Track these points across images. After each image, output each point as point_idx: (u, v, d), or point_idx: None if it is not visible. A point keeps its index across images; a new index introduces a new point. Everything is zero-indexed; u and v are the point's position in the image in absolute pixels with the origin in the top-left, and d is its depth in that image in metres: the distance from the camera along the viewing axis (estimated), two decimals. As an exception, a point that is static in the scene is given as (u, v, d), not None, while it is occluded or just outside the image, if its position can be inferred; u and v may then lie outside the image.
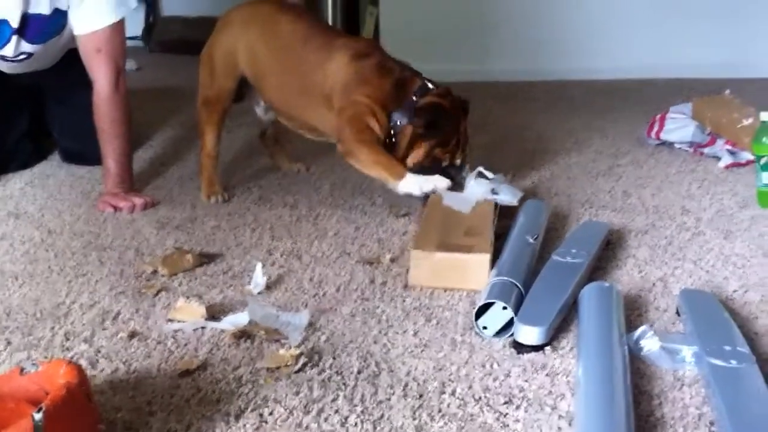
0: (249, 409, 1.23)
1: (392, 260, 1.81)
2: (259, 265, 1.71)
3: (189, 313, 1.52)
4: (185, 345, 1.43)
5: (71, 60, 2.51)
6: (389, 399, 1.25)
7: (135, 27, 6.54)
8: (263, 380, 1.31)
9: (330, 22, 5.11)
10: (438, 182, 2.03)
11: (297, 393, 1.27)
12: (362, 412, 1.22)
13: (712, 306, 1.50)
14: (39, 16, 2.32)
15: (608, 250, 1.86)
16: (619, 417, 1.13)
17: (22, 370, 1.15)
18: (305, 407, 1.23)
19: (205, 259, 1.83)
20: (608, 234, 1.90)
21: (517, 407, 1.23)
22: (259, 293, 1.65)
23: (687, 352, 1.34)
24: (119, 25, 2.34)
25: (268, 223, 2.11)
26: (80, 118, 2.48)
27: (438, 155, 2.11)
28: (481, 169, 2.07)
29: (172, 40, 6.44)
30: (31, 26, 2.34)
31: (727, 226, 2.04)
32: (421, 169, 2.09)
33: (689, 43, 4.66)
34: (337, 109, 2.16)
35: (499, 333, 1.45)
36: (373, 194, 2.33)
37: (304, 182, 2.50)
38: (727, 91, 2.99)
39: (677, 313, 1.53)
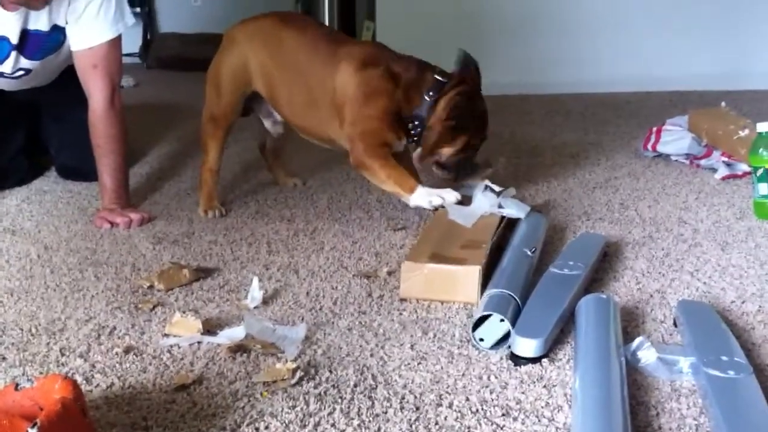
0: (245, 424, 1.22)
1: (389, 273, 1.81)
2: (255, 280, 1.70)
3: (185, 327, 1.52)
4: (181, 360, 1.42)
5: (68, 76, 2.51)
6: (386, 412, 1.25)
7: (132, 44, 6.57)
8: (259, 394, 1.30)
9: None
10: (447, 195, 2.03)
11: (293, 407, 1.26)
12: (359, 425, 1.21)
13: (710, 317, 1.50)
14: (38, 33, 2.33)
15: (605, 262, 1.86)
16: (617, 428, 1.13)
17: (17, 385, 1.14)
18: (301, 421, 1.22)
19: (202, 273, 1.83)
20: (605, 246, 1.90)
21: (515, 419, 1.23)
22: (255, 307, 1.65)
23: (684, 362, 1.34)
24: (116, 42, 2.35)
25: (265, 237, 2.11)
26: (77, 134, 2.48)
27: (474, 144, 2.16)
28: (488, 182, 2.07)
29: (169, 57, 6.47)
30: (30, 43, 2.35)
31: (724, 238, 2.04)
32: (460, 161, 2.14)
33: (685, 55, 4.69)
34: (349, 122, 2.16)
35: (496, 345, 1.45)
36: (370, 208, 2.33)
37: (302, 196, 2.50)
38: (723, 103, 3.00)
39: (674, 324, 1.53)
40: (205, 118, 2.40)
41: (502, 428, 1.20)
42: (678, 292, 1.70)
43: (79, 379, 1.35)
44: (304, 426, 1.21)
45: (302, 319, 1.59)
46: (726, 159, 2.66)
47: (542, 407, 1.26)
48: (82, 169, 2.63)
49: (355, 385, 1.32)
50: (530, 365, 1.38)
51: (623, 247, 1.97)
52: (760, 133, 2.23)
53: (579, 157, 2.95)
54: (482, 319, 1.46)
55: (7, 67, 2.40)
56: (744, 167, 2.56)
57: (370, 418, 1.23)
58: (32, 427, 0.99)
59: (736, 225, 2.14)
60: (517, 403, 1.27)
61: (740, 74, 4.51)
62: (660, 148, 2.88)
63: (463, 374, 1.36)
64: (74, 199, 2.51)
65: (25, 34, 2.32)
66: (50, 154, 2.84)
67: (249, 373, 1.37)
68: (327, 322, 1.58)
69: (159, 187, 2.64)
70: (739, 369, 1.26)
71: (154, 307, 1.65)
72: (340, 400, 1.28)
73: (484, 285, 1.65)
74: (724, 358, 1.29)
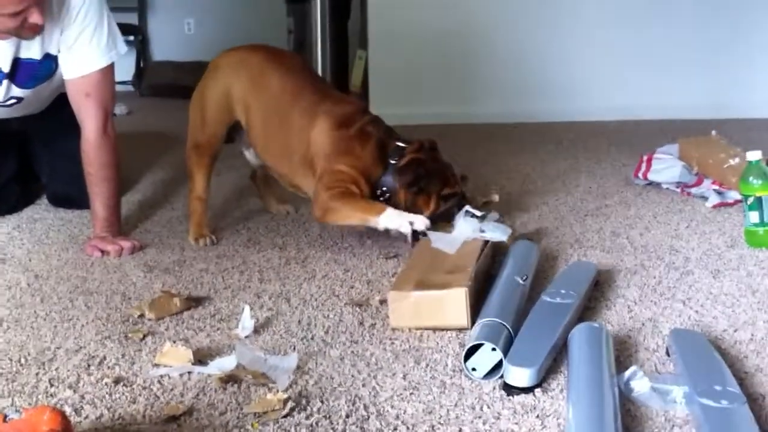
0: (236, 455, 1.21)
1: (381, 302, 1.80)
2: (247, 308, 1.69)
3: (175, 357, 1.51)
4: (171, 390, 1.41)
5: (60, 104, 2.52)
6: (378, 443, 1.24)
7: (126, 71, 6.59)
8: (250, 425, 1.29)
9: (320, 65, 5.16)
10: (416, 221, 2.06)
11: (284, 438, 1.25)
12: (351, 456, 1.20)
13: (702, 346, 1.50)
14: (30, 61, 2.33)
15: (597, 290, 1.86)
16: (610, 459, 1.12)
17: (5, 417, 1.13)
18: (293, 452, 1.21)
19: (193, 302, 1.82)
20: (597, 274, 1.90)
21: (508, 450, 1.22)
22: (246, 336, 1.64)
23: (677, 392, 1.33)
24: (109, 70, 2.35)
25: (256, 265, 2.11)
26: (69, 162, 2.48)
27: (450, 192, 2.18)
28: (468, 207, 2.08)
29: (162, 85, 6.49)
30: (21, 71, 2.35)
31: (716, 266, 2.04)
32: (448, 212, 2.14)
33: (675, 84, 4.73)
34: (317, 175, 2.18)
35: (489, 374, 1.44)
36: (362, 236, 2.32)
37: (294, 224, 2.50)
38: (714, 132, 3.02)
39: (667, 353, 1.53)
40: (189, 146, 2.40)
41: (495, 459, 1.19)
42: (670, 320, 1.70)
43: (68, 410, 1.34)
44: (296, 457, 1.20)
45: (294, 348, 1.58)
46: (717, 187, 2.67)
47: (535, 438, 1.25)
48: (73, 197, 2.62)
49: (347, 416, 1.31)
50: (523, 395, 1.37)
51: (615, 276, 1.97)
52: (750, 162, 2.24)
53: (570, 185, 2.96)
54: (474, 349, 1.45)
55: (-1, 95, 2.40)
56: (735, 195, 2.57)
57: (362, 450, 1.22)
58: (20, 459, 0.98)
59: (728, 253, 2.14)
60: (510, 434, 1.26)
61: (730, 103, 4.55)
62: (651, 177, 2.89)
63: (456, 404, 1.35)
64: (65, 227, 2.51)
65: (16, 62, 2.32)
66: (42, 181, 2.83)
67: (240, 403, 1.36)
68: (319, 351, 1.57)
69: (150, 215, 2.64)
70: (732, 399, 1.25)
71: (144, 336, 1.64)
72: (331, 431, 1.27)
73: (473, 310, 1.64)
74: (718, 387, 1.29)
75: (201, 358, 1.52)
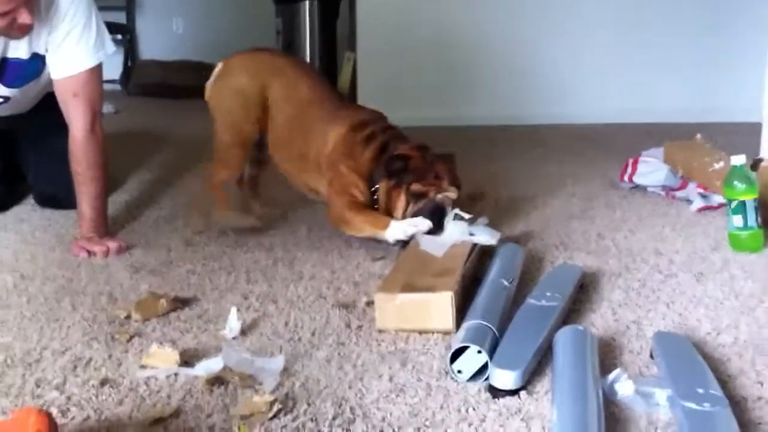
0: (222, 457, 1.21)
1: (368, 304, 1.81)
2: (233, 310, 1.70)
3: (162, 359, 1.51)
4: (158, 392, 1.41)
5: (47, 104, 2.51)
6: (364, 445, 1.24)
7: (113, 71, 6.57)
8: (237, 428, 1.29)
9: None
10: (419, 224, 2.08)
11: (271, 440, 1.26)
12: (336, 458, 1.21)
13: (686, 349, 1.51)
14: (17, 61, 2.32)
15: (582, 293, 1.87)
16: (594, 462, 1.13)
17: (-10, 418, 1.13)
18: (279, 454, 1.22)
19: (180, 303, 1.82)
20: (582, 277, 1.92)
21: (492, 452, 1.23)
22: (233, 338, 1.64)
23: (661, 395, 1.34)
24: (97, 70, 2.35)
25: (243, 266, 2.11)
26: (56, 162, 2.48)
27: (420, 191, 2.13)
28: (457, 210, 2.09)
29: (150, 84, 6.48)
30: (8, 70, 2.35)
31: (700, 269, 2.06)
32: (417, 214, 2.12)
33: (660, 88, 4.76)
34: (327, 180, 2.26)
35: (474, 377, 1.45)
36: (349, 238, 2.33)
37: (281, 225, 2.50)
38: (698, 136, 3.04)
39: (651, 356, 1.54)
40: (227, 143, 2.40)
41: (479, 461, 1.20)
42: (654, 323, 1.71)
43: (54, 411, 1.33)
44: (282, 459, 1.20)
45: (280, 350, 1.59)
46: (701, 191, 2.70)
47: (520, 440, 1.26)
48: (60, 197, 2.61)
49: (334, 418, 1.32)
50: (508, 397, 1.38)
51: (600, 278, 1.99)
52: (734, 166, 2.26)
53: (556, 188, 2.97)
54: (460, 351, 1.46)
55: (-15, 94, 2.39)
56: (719, 199, 2.59)
57: (348, 451, 1.22)
58: (6, 461, 0.98)
59: (712, 256, 2.16)
60: (494, 436, 1.27)
61: (715, 107, 4.58)
62: (636, 180, 2.91)
63: (442, 407, 1.36)
64: (52, 227, 2.50)
65: (4, 62, 2.32)
66: (28, 181, 2.82)
67: (226, 405, 1.36)
68: (305, 353, 1.57)
69: (137, 216, 2.64)
70: (715, 402, 1.27)
71: (130, 337, 1.64)
72: (318, 433, 1.27)
73: (460, 313, 1.65)
74: (700, 390, 1.30)
75: (188, 359, 1.52)
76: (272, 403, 1.34)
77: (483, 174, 3.21)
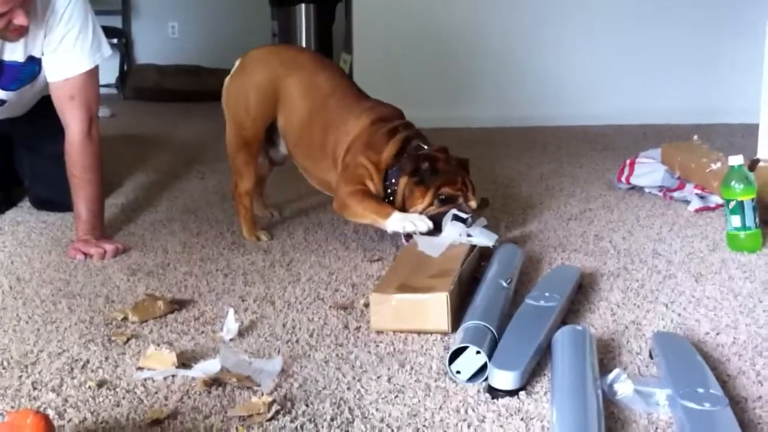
0: (220, 459, 1.20)
1: (366, 305, 1.80)
2: (231, 311, 1.69)
3: (159, 360, 1.50)
4: (155, 393, 1.40)
5: (43, 107, 2.50)
6: (363, 446, 1.24)
7: (110, 74, 6.56)
8: (235, 429, 1.29)
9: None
10: (419, 223, 2.07)
11: (269, 441, 1.25)
12: (335, 459, 1.20)
13: (685, 349, 1.51)
14: (13, 64, 2.32)
15: (581, 294, 1.87)
16: (594, 461, 1.12)
17: (-13, 420, 1.12)
18: (277, 456, 1.21)
19: (177, 305, 1.81)
20: (580, 277, 1.91)
21: (492, 453, 1.22)
22: (231, 340, 1.64)
23: (660, 395, 1.34)
24: (93, 73, 2.35)
25: (241, 268, 2.10)
26: (52, 166, 2.47)
27: (450, 192, 2.13)
28: (455, 211, 2.08)
29: (146, 88, 6.47)
30: (5, 73, 2.34)
31: (698, 269, 2.05)
32: (441, 217, 2.09)
33: (658, 89, 4.76)
34: (341, 167, 2.24)
35: (473, 377, 1.44)
36: (347, 239, 2.33)
37: (278, 227, 2.50)
38: (695, 137, 3.04)
39: (650, 356, 1.54)
40: (235, 144, 2.37)
41: (479, 462, 1.20)
42: (653, 323, 1.71)
43: (51, 413, 1.33)
44: (280, 460, 1.20)
45: (278, 351, 1.58)
46: (699, 191, 2.69)
47: (519, 440, 1.25)
48: (56, 201, 2.61)
49: (332, 419, 1.31)
50: (507, 398, 1.38)
51: (598, 279, 1.98)
52: (731, 166, 2.26)
53: (554, 189, 2.97)
54: (459, 352, 1.46)
55: (-19, 98, 2.39)
56: (717, 200, 2.59)
57: (347, 452, 1.22)
58: (2, 463, 0.97)
59: (710, 257, 2.16)
60: (494, 436, 1.27)
61: (712, 108, 4.58)
62: (634, 181, 2.91)
63: (441, 407, 1.35)
64: (48, 229, 2.49)
65: (0, 65, 2.31)
66: (24, 184, 2.81)
67: (224, 407, 1.35)
68: (303, 354, 1.57)
69: (134, 218, 2.63)
70: (715, 401, 1.26)
71: (128, 339, 1.63)
72: (316, 434, 1.27)
73: (456, 314, 1.65)
74: (700, 390, 1.30)
75: (185, 361, 1.52)
76: (270, 405, 1.33)
77: (480, 175, 3.20)
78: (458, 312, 1.67)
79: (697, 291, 1.90)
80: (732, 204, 2.23)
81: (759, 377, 1.45)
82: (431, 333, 1.65)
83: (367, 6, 4.72)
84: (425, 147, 2.22)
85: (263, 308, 1.82)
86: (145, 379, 1.45)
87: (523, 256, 2.04)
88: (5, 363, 1.53)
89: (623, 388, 1.36)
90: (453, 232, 2.02)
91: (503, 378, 1.39)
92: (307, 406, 1.36)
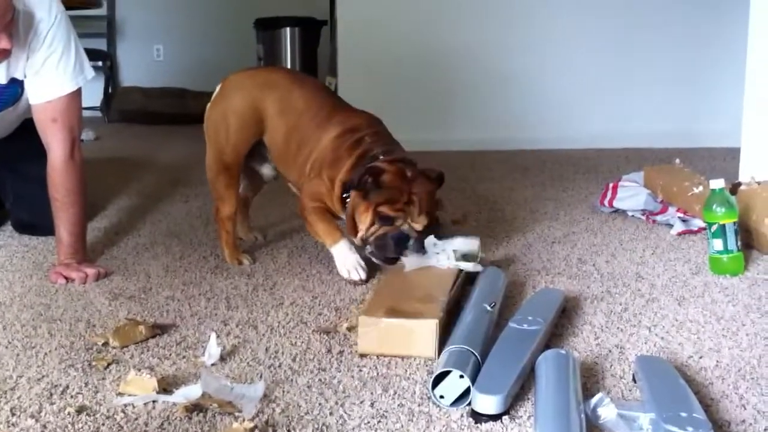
0: (200, 486, 1.19)
1: (349, 329, 1.79)
2: (213, 336, 1.68)
3: (140, 386, 1.49)
4: (135, 419, 1.39)
5: (25, 130, 2.49)
6: (345, 472, 1.23)
7: (94, 97, 6.55)
8: (216, 455, 1.27)
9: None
10: (352, 271, 2.14)
11: (250, 467, 1.23)
12: (317, 486, 1.19)
13: (668, 372, 1.51)
14: (-5, 86, 2.31)
15: (564, 317, 1.87)
16: (578, 487, 1.12)
17: (-38, 448, 1.10)
18: (259, 482, 1.20)
19: (158, 330, 1.80)
20: (564, 301, 1.91)
21: (475, 478, 1.21)
22: (213, 364, 1.62)
23: (644, 419, 1.34)
24: (76, 95, 2.34)
25: (224, 292, 2.09)
26: (34, 189, 2.45)
27: (387, 212, 2.06)
28: (432, 237, 2.07)
29: (130, 111, 6.46)
30: (-14, 96, 2.33)
31: (681, 293, 2.06)
32: (380, 239, 2.07)
33: (639, 113, 4.80)
34: (308, 175, 2.25)
35: (457, 402, 1.43)
36: (330, 262, 2.31)
37: (262, 250, 2.49)
38: (677, 160, 3.07)
39: (633, 379, 1.53)
40: (215, 168, 2.37)
41: (462, 488, 1.19)
42: (636, 347, 1.71)
43: (28, 440, 1.31)
44: (261, 487, 1.18)
45: (260, 376, 1.57)
46: (681, 215, 2.71)
47: (503, 465, 1.25)
48: (38, 224, 2.59)
49: (314, 445, 1.30)
50: (491, 422, 1.37)
51: (582, 302, 1.98)
52: (713, 190, 2.28)
53: (538, 212, 2.98)
54: (442, 376, 1.45)
55: (-37, 120, 2.37)
56: (699, 223, 2.60)
57: (329, 479, 1.21)
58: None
59: (692, 280, 2.17)
60: (477, 462, 1.26)
61: (694, 132, 4.62)
62: (616, 204, 2.92)
63: (424, 432, 1.34)
64: (29, 253, 2.47)
65: (-18, 87, 2.30)
66: (5, 207, 2.79)
67: (205, 432, 1.34)
68: (286, 379, 1.56)
69: (116, 242, 2.61)
70: (698, 425, 1.26)
71: (108, 364, 1.61)
72: (298, 460, 1.26)
73: (443, 339, 1.64)
74: (684, 414, 1.29)
75: (166, 386, 1.50)
76: (252, 430, 1.32)
77: (463, 197, 3.21)
78: (443, 336, 1.66)
79: (680, 314, 1.90)
80: (714, 227, 2.24)
81: (742, 401, 1.45)
82: (416, 357, 1.64)
83: (351, 30, 4.74)
84: (379, 155, 2.14)
85: (246, 332, 1.80)
86: (126, 405, 1.44)
87: (506, 279, 2.04)
88: (-17, 389, 1.51)
89: (607, 412, 1.36)
90: (441, 259, 2.02)
91: (486, 402, 1.39)
92: (289, 431, 1.34)
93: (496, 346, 1.58)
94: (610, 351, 1.68)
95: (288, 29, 6.27)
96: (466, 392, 1.43)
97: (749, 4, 2.83)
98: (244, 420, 1.36)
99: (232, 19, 7.08)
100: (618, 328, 1.82)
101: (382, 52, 4.71)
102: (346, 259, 2.16)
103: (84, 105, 2.43)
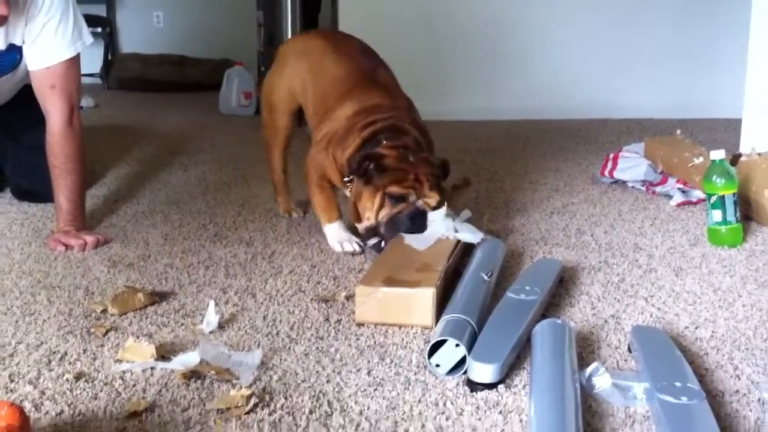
0: (198, 451, 1.20)
1: (347, 298, 1.80)
2: (212, 304, 1.68)
3: (138, 353, 1.49)
4: (133, 386, 1.40)
5: (24, 97, 2.48)
6: (341, 439, 1.24)
7: (93, 64, 6.52)
8: (213, 422, 1.28)
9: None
10: (346, 245, 2.15)
11: (247, 434, 1.25)
12: (313, 452, 1.20)
13: (664, 343, 1.51)
14: (-7, 52, 2.30)
15: (561, 287, 1.87)
16: (571, 455, 1.13)
17: (-39, 413, 1.11)
18: (255, 449, 1.21)
19: (157, 297, 1.80)
20: (561, 271, 1.92)
21: (470, 446, 1.22)
22: (211, 332, 1.63)
23: (638, 388, 1.35)
24: (74, 61, 2.33)
25: (222, 260, 2.09)
26: (33, 156, 2.45)
27: (398, 193, 2.02)
28: (442, 210, 2.06)
29: (130, 78, 6.43)
30: (-15, 62, 2.32)
31: (679, 264, 2.06)
32: (394, 219, 2.02)
33: (642, 84, 4.78)
34: (317, 140, 2.25)
35: (453, 371, 1.44)
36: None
37: (261, 219, 2.49)
38: (678, 131, 3.06)
39: (629, 349, 1.54)
40: (264, 131, 2.54)
41: (457, 455, 1.20)
42: (633, 317, 1.71)
43: (27, 405, 1.32)
44: (258, 453, 1.19)
45: (258, 344, 1.58)
46: (681, 186, 2.71)
47: (498, 434, 1.26)
48: (37, 191, 2.59)
49: (311, 412, 1.31)
50: (486, 391, 1.38)
51: (579, 273, 1.99)
52: (713, 161, 2.27)
53: (537, 183, 2.98)
54: (438, 345, 1.46)
55: (-39, 86, 2.36)
56: (699, 194, 2.60)
57: (325, 446, 1.22)
58: (-24, 456, 0.97)
59: (690, 251, 2.17)
60: (473, 430, 1.27)
61: (695, 103, 4.61)
62: (617, 175, 2.92)
63: (420, 401, 1.35)
64: (29, 220, 2.47)
65: (-20, 54, 2.29)
66: (5, 174, 2.79)
67: (203, 399, 1.35)
68: (283, 347, 1.57)
69: (115, 210, 2.61)
70: (692, 395, 1.27)
71: (107, 331, 1.62)
72: (295, 428, 1.27)
73: (440, 309, 1.65)
74: (678, 384, 1.30)
75: (164, 353, 1.51)
76: (249, 398, 1.33)
77: (464, 168, 3.20)
78: (441, 306, 1.67)
79: (677, 285, 1.91)
80: (713, 199, 2.24)
81: (737, 371, 1.46)
82: (413, 326, 1.65)
83: (352, -3, 4.71)
84: (382, 140, 2.08)
85: (244, 301, 1.81)
86: (124, 372, 1.44)
87: (505, 249, 2.04)
88: (-18, 355, 1.52)
89: (601, 381, 1.37)
90: (440, 227, 2.01)
91: (482, 371, 1.39)
92: (285, 399, 1.35)
93: (493, 316, 1.59)
94: (606, 321, 1.69)
95: (289, -5, 6.21)
96: (463, 361, 1.44)
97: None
98: (241, 387, 1.37)
99: (232, -15, 7.03)
100: (615, 298, 1.82)
101: (384, 19, 4.67)
102: (339, 235, 2.17)
103: (83, 72, 2.42)
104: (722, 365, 1.49)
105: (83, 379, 1.42)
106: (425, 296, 1.66)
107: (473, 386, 1.39)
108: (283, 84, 2.45)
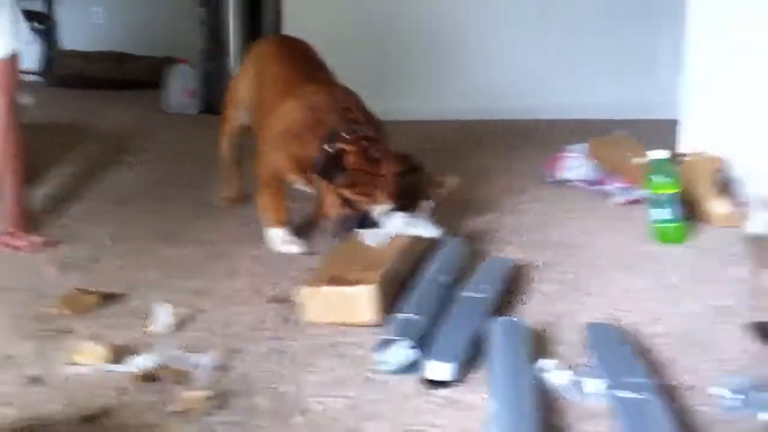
0: (158, 455, 1.19)
1: (303, 298, 1.79)
2: (167, 305, 1.66)
3: (92, 355, 1.47)
4: (88, 389, 1.37)
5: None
6: (303, 439, 1.23)
7: (34, 61, 6.35)
8: (171, 424, 1.27)
9: (232, 58, 5.04)
10: (287, 248, 2.15)
11: (208, 436, 1.24)
12: (276, 453, 1.20)
13: (617, 339, 1.55)
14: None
15: (515, 286, 1.90)
16: (532, 450, 1.15)
17: None
18: (217, 451, 1.20)
19: (110, 299, 1.77)
20: (514, 269, 1.94)
21: (432, 444, 1.23)
22: (167, 334, 1.61)
23: (594, 384, 1.37)
24: (13, 59, 2.27)
25: (178, 261, 2.07)
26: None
27: (349, 196, 2.01)
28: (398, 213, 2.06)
29: (71, 75, 6.28)
30: None
31: (629, 261, 2.10)
32: (341, 220, 2.03)
33: (585, 86, 4.84)
34: (265, 141, 2.24)
35: (409, 369, 1.45)
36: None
37: (218, 219, 2.46)
38: (620, 131, 3.12)
39: (583, 346, 1.57)
40: (220, 128, 2.61)
41: (419, 453, 1.21)
42: (586, 314, 1.74)
43: (-20, 411, 1.29)
44: (220, 456, 1.19)
45: (215, 345, 1.56)
46: (624, 185, 2.75)
47: (458, 431, 1.27)
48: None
49: (272, 414, 1.31)
50: (445, 389, 1.39)
51: (532, 271, 2.01)
52: (657, 160, 2.32)
53: (489, 183, 3.00)
54: (389, 343, 1.46)
55: None
56: (641, 193, 2.65)
57: (288, 446, 1.21)
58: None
59: (637, 248, 2.21)
60: (432, 427, 1.28)
61: (637, 104, 4.70)
62: (562, 174, 2.96)
63: (380, 399, 1.36)
64: (-29, 222, 2.40)
65: None
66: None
67: (159, 402, 1.33)
68: (241, 348, 1.55)
69: (62, 209, 2.56)
70: (646, 390, 1.30)
71: (60, 334, 1.59)
72: (256, 429, 1.26)
73: (390, 305, 1.66)
74: (632, 379, 1.33)
75: (119, 356, 1.49)
76: (207, 399, 1.32)
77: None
78: (392, 304, 1.67)
79: (626, 282, 1.95)
80: (657, 197, 2.29)
81: (688, 366, 1.49)
82: (361, 325, 1.65)
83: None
84: (340, 132, 2.05)
85: (200, 302, 1.79)
86: (78, 374, 1.42)
87: (465, 249, 2.05)
88: (-70, 360, 1.48)
89: (558, 377, 1.40)
90: (395, 224, 2.01)
91: (440, 369, 1.41)
92: (246, 400, 1.35)
93: (450, 315, 1.60)
94: (560, 318, 1.72)
95: (231, -9, 6.14)
96: (415, 360, 1.44)
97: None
98: (198, 389, 1.36)
99: (174, -20, 6.93)
100: (568, 296, 1.85)
101: (331, 13, 4.65)
102: (277, 238, 2.17)
103: (24, 69, 2.36)
104: (674, 360, 1.52)
105: (38, 383, 1.39)
106: (367, 293, 1.66)
107: (432, 384, 1.40)
108: (241, 83, 2.52)
